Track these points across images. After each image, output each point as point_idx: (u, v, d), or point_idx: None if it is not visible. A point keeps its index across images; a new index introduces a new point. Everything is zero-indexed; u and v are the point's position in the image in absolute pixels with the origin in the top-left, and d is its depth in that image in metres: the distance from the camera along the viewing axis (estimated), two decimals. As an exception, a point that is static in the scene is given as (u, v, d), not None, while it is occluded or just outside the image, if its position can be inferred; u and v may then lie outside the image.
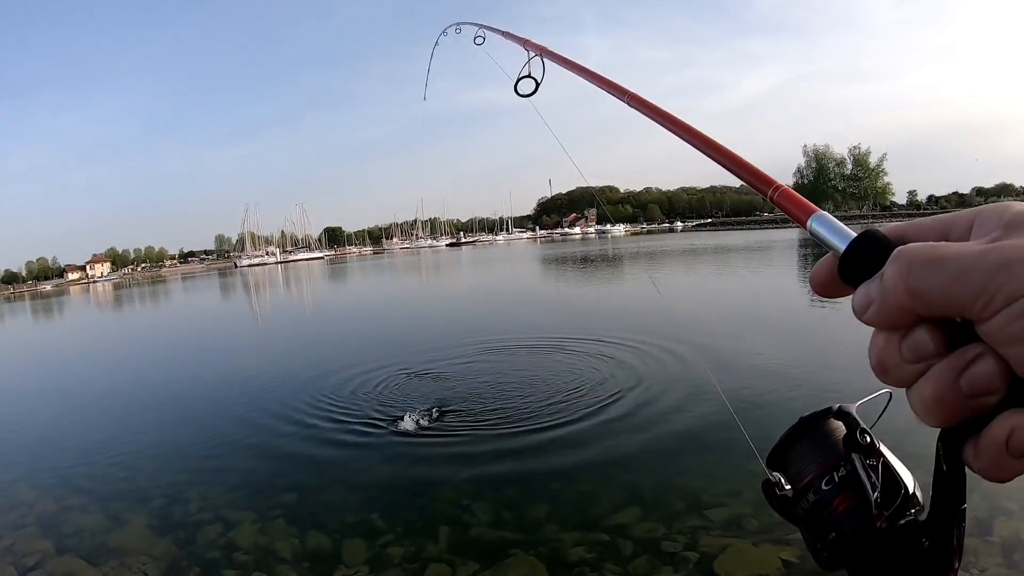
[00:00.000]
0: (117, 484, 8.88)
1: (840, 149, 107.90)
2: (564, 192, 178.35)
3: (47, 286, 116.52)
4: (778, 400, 10.10)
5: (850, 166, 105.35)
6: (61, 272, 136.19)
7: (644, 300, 24.55)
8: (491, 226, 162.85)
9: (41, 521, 7.84)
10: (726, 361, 13.09)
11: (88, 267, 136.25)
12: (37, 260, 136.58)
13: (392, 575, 6.21)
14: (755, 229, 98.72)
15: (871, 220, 69.23)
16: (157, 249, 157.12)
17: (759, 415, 9.37)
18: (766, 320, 18.40)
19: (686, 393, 10.79)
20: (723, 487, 7.43)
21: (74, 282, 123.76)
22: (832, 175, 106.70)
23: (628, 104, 1.12)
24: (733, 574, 5.66)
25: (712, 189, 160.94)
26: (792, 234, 67.37)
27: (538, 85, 1.79)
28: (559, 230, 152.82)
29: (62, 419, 13.22)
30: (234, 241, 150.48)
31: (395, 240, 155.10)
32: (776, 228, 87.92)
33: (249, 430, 10.64)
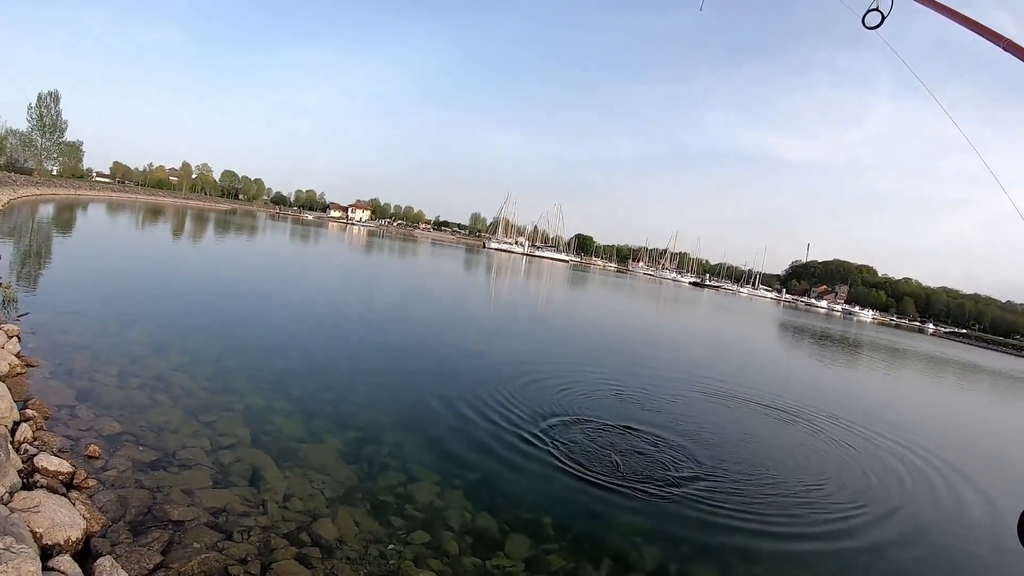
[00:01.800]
0: (324, 404, 9.50)
1: None
2: (820, 261, 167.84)
3: (309, 216, 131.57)
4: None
5: None
6: (325, 207, 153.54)
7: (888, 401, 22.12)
8: (738, 276, 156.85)
9: (247, 412, 8.55)
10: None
11: (350, 209, 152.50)
12: (307, 191, 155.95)
13: None
14: (1012, 354, 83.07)
15: None
16: (416, 210, 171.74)
17: None
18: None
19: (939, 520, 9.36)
20: None
21: (334, 219, 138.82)
22: None
23: (1004, 50, 1.05)
24: None
25: (975, 297, 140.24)
26: None
27: (884, 18, 1.75)
28: (805, 298, 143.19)
29: (298, 336, 14.48)
30: (488, 223, 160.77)
31: (641, 264, 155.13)
32: None
33: (456, 401, 10.82)
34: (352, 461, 7.59)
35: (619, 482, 8.24)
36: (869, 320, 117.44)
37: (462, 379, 12.61)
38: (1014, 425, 23.18)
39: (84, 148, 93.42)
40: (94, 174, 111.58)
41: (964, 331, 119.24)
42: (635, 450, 9.73)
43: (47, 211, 43.14)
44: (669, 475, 8.91)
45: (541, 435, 9.55)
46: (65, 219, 39.96)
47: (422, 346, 15.94)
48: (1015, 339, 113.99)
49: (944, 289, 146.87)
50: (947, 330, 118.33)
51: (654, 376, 16.45)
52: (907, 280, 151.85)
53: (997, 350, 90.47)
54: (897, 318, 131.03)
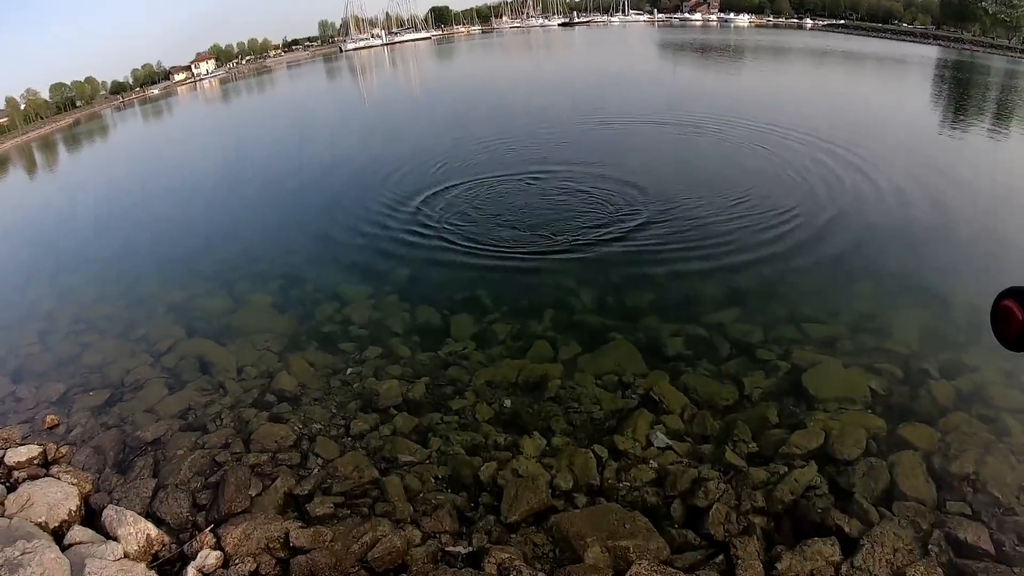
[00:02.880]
0: (238, 270, 9.60)
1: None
2: None
3: (155, 90, 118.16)
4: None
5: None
6: (167, 75, 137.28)
7: (773, 98, 22.62)
8: (606, 6, 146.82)
9: (172, 309, 8.66)
10: (843, 177, 11.90)
11: (193, 66, 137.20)
12: (142, 67, 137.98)
13: (497, 351, 6.47)
14: (890, 38, 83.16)
15: (1019, 55, 56.08)
16: (261, 40, 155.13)
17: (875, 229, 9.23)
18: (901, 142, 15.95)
19: (802, 202, 10.28)
20: (824, 303, 7.38)
21: (180, 83, 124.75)
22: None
23: None
24: (820, 391, 5.67)
25: None
26: (929, 51, 58.83)
27: None
28: (679, 14, 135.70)
29: (186, 215, 14.08)
30: (338, 26, 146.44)
31: (504, 19, 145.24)
32: (913, 42, 74.78)
33: (361, 215, 11.04)
34: (285, 309, 7.93)
35: (540, 228, 8.77)
36: (746, 25, 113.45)
37: (353, 192, 12.63)
38: (904, 108, 22.82)
39: None
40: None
41: (843, 21, 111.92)
42: (542, 203, 10.15)
43: None
44: (586, 220, 9.42)
45: (453, 220, 9.94)
46: None
47: (310, 174, 15.61)
48: (893, 24, 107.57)
49: None
50: (825, 23, 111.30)
51: (544, 124, 16.41)
52: None
53: (877, 36, 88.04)
54: (774, 18, 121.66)
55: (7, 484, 5.50)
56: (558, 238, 8.51)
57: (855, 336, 6.58)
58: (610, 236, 8.72)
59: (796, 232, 9.00)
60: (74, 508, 5.03)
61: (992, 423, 5.19)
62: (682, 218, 9.23)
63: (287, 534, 4.50)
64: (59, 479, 5.38)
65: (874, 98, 24.91)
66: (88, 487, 5.38)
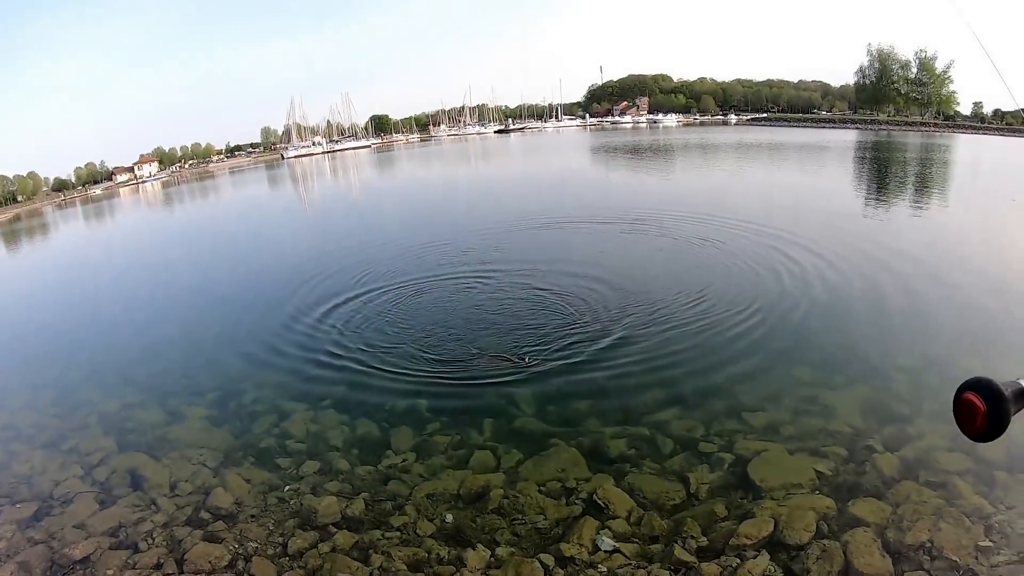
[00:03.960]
0: (175, 381, 9.49)
1: (906, 52, 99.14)
2: (616, 79, 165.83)
3: (97, 190, 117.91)
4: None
5: (915, 70, 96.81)
6: (110, 175, 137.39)
7: (701, 190, 24.61)
8: (540, 113, 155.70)
9: (103, 420, 8.45)
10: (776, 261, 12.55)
11: (136, 168, 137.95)
12: (85, 165, 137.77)
13: (438, 461, 6.41)
14: (811, 127, 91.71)
15: (932, 129, 62.88)
16: (204, 145, 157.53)
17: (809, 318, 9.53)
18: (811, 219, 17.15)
19: (734, 293, 10.65)
20: (763, 391, 7.54)
21: (123, 184, 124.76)
22: (896, 78, 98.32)
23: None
24: (766, 479, 5.80)
25: (768, 82, 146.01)
26: (848, 135, 63.22)
27: None
28: (610, 118, 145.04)
29: (122, 322, 13.77)
30: (280, 133, 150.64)
31: (443, 127, 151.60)
32: (833, 128, 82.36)
33: (300, 327, 10.98)
34: (222, 423, 7.85)
35: (478, 339, 9.12)
36: (675, 124, 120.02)
37: (293, 301, 12.53)
38: (828, 189, 25.13)
39: None
40: None
41: (764, 115, 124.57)
42: (480, 312, 10.48)
43: None
44: (519, 322, 9.80)
45: (388, 330, 10.14)
46: None
47: (246, 282, 15.76)
48: (812, 113, 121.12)
49: (739, 81, 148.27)
50: (749, 117, 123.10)
51: (481, 226, 16.94)
52: (702, 80, 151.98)
53: (798, 126, 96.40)
54: (700, 116, 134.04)
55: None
56: (506, 359, 8.56)
57: (797, 420, 6.86)
58: (550, 343, 8.92)
59: (732, 322, 9.39)
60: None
61: (942, 488, 5.45)
62: (619, 319, 9.54)
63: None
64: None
65: (799, 183, 26.90)
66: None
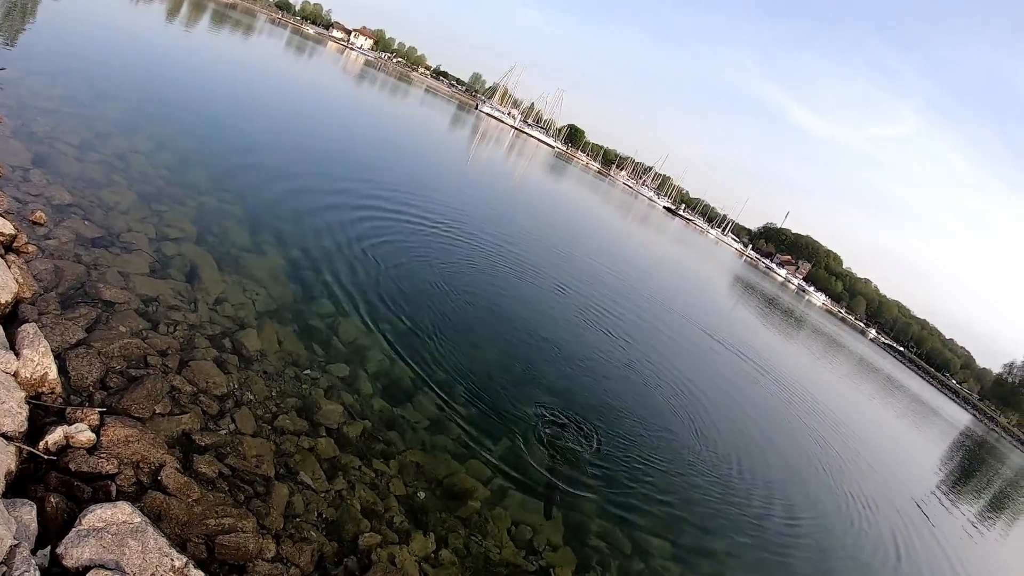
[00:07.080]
0: (276, 220, 9.76)
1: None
2: (793, 231, 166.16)
3: (310, 29, 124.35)
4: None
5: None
6: (328, 25, 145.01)
7: (812, 380, 23.73)
8: (711, 216, 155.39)
9: (200, 209, 8.66)
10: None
11: (353, 34, 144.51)
12: (313, 3, 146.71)
13: (443, 442, 6.50)
14: (933, 385, 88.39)
15: None
16: (419, 52, 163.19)
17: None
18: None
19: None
20: None
21: (334, 39, 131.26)
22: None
23: None
24: None
25: (923, 323, 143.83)
26: (962, 416, 61.35)
27: None
28: (767, 261, 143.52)
29: (270, 145, 14.57)
30: (487, 86, 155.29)
31: (623, 173, 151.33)
32: (954, 400, 78.66)
33: (404, 256, 11.20)
34: (290, 280, 7.90)
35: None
36: (819, 304, 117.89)
37: (416, 243, 12.56)
38: (917, 455, 24.41)
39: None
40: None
41: (902, 349, 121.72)
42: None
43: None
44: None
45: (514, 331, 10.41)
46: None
47: (387, 196, 15.69)
48: (944, 375, 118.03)
49: (897, 303, 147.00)
50: (886, 341, 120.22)
51: (603, 298, 16.50)
52: (867, 281, 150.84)
53: (924, 379, 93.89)
54: (846, 312, 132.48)
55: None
56: None
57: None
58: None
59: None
60: (3, 301, 4.81)
61: None
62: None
63: (162, 466, 4.24)
64: (9, 267, 5.19)
65: (900, 435, 26.02)
66: (28, 294, 5.20)
